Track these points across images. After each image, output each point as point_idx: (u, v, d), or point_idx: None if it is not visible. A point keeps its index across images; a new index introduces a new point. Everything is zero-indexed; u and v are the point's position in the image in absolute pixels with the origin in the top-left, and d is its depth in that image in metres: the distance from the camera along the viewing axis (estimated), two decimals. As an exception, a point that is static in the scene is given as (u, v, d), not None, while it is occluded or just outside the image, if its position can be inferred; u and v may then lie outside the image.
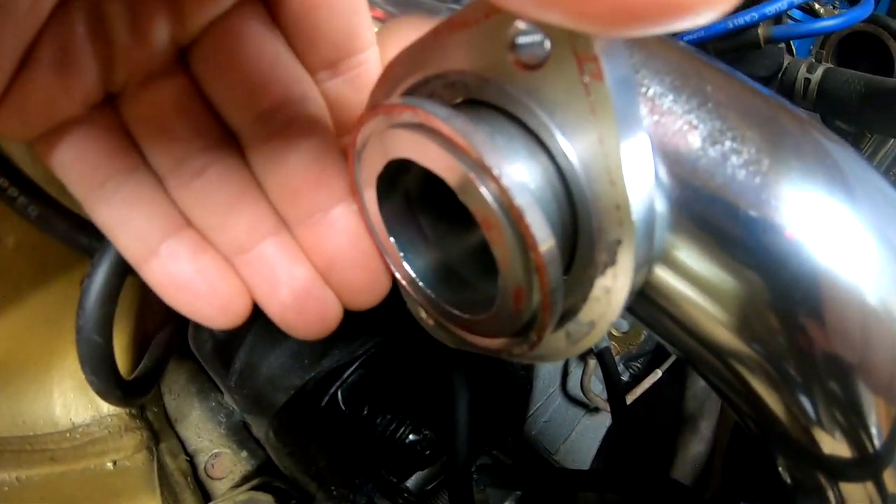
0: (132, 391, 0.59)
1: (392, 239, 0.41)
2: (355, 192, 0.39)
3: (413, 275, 0.41)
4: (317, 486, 0.58)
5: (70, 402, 0.71)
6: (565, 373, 0.94)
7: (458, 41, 0.34)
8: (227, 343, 0.70)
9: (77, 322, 0.49)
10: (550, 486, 0.82)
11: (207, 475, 0.77)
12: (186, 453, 0.78)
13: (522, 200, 0.29)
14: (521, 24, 0.30)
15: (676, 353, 0.41)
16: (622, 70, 0.29)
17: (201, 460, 0.78)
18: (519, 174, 0.30)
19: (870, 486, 0.37)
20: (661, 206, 0.33)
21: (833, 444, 0.35)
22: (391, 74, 0.37)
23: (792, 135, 0.34)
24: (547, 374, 0.93)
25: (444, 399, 0.67)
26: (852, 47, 1.22)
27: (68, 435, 0.70)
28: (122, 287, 0.50)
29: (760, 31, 0.86)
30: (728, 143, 0.32)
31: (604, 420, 0.96)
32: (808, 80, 0.93)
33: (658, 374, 0.94)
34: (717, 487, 0.95)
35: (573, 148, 0.30)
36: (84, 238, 0.49)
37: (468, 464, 0.67)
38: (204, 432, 0.79)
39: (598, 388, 0.94)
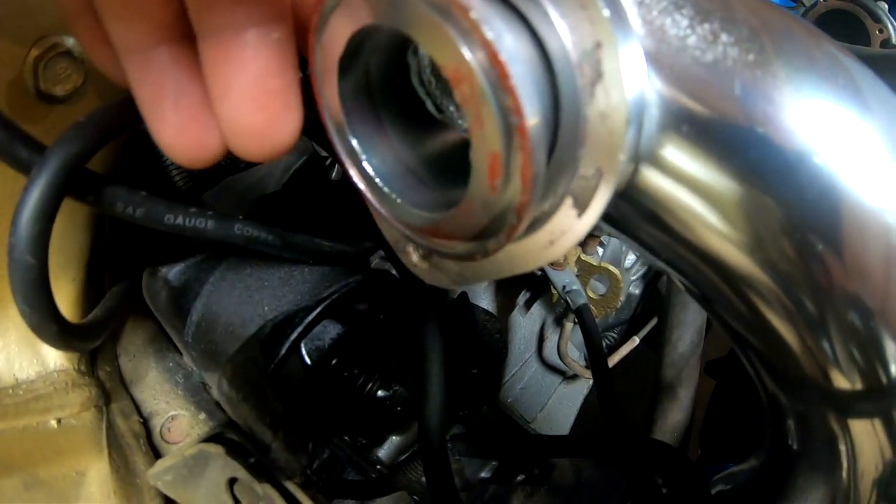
0: (74, 333, 0.54)
1: (354, 140, 0.38)
2: (314, 79, 0.36)
3: (375, 177, 0.38)
4: (272, 435, 0.54)
5: (14, 355, 0.66)
6: (541, 338, 0.91)
7: None
8: (182, 292, 0.66)
9: (9, 241, 0.45)
10: (529, 452, 0.79)
11: (163, 438, 0.73)
12: (141, 416, 0.73)
13: (490, 32, 0.26)
14: None
15: (684, 282, 0.38)
16: None
17: (157, 423, 0.73)
18: (508, 36, 0.27)
19: (879, 426, 0.35)
20: (647, 94, 0.30)
21: (845, 379, 0.33)
22: None
23: (790, 26, 0.31)
24: (522, 340, 0.89)
25: (417, 356, 0.64)
26: (829, 25, 1.22)
27: (10, 391, 0.65)
28: (59, 205, 0.45)
29: None
30: (717, 22, 0.29)
31: (581, 388, 0.93)
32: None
33: (635, 341, 0.91)
34: (696, 458, 0.93)
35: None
36: (24, 151, 0.45)
37: (443, 429, 0.63)
38: (160, 394, 0.74)
39: (575, 353, 0.91)
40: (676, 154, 0.31)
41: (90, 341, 0.59)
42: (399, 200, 0.36)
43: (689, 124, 0.29)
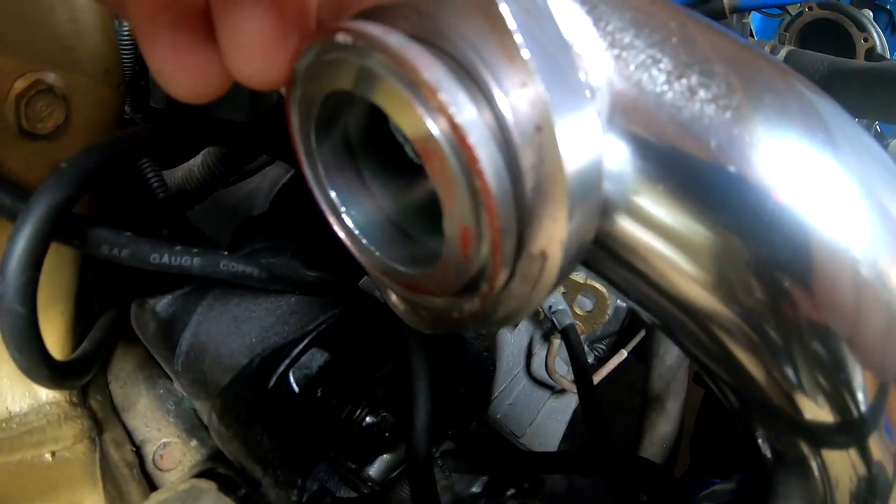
0: (64, 372, 0.55)
1: (332, 192, 0.39)
2: (290, 129, 0.37)
3: (355, 230, 0.38)
4: (262, 471, 0.55)
5: (5, 389, 0.67)
6: (529, 354, 0.92)
7: None
8: (171, 324, 0.66)
9: (-2, 291, 0.45)
10: (517, 469, 0.80)
11: (156, 466, 0.73)
12: (134, 444, 0.74)
13: (464, 118, 0.27)
14: None
15: (650, 318, 0.38)
16: None
17: (149, 451, 0.74)
18: (462, 97, 0.27)
19: (853, 453, 0.35)
20: (622, 148, 0.30)
21: (816, 411, 0.33)
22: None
23: (766, 74, 0.32)
24: (511, 356, 0.90)
25: (404, 381, 0.65)
26: (814, 34, 1.22)
27: (3, 425, 0.66)
28: (45, 252, 0.46)
29: (726, 0, 0.85)
30: (695, 77, 0.30)
31: (570, 402, 0.94)
32: (771, 61, 0.92)
33: (623, 354, 0.92)
34: (685, 468, 0.94)
35: (487, 62, 0.27)
36: (7, 199, 0.46)
37: (429, 449, 0.64)
38: (152, 421, 0.75)
39: (563, 368, 0.92)
40: (650, 205, 0.31)
41: (81, 377, 0.60)
42: (378, 254, 0.37)
43: (662, 179, 0.30)
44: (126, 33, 0.87)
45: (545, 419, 0.92)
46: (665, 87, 0.30)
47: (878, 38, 1.13)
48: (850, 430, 0.34)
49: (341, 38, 0.29)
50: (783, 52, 0.92)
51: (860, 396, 0.33)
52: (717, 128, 0.29)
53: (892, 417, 0.34)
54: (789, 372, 0.32)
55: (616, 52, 0.31)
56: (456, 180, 0.28)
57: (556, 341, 0.88)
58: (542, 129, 0.27)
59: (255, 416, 0.56)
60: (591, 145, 0.28)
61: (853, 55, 1.13)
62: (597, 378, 0.92)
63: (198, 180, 0.90)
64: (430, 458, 0.66)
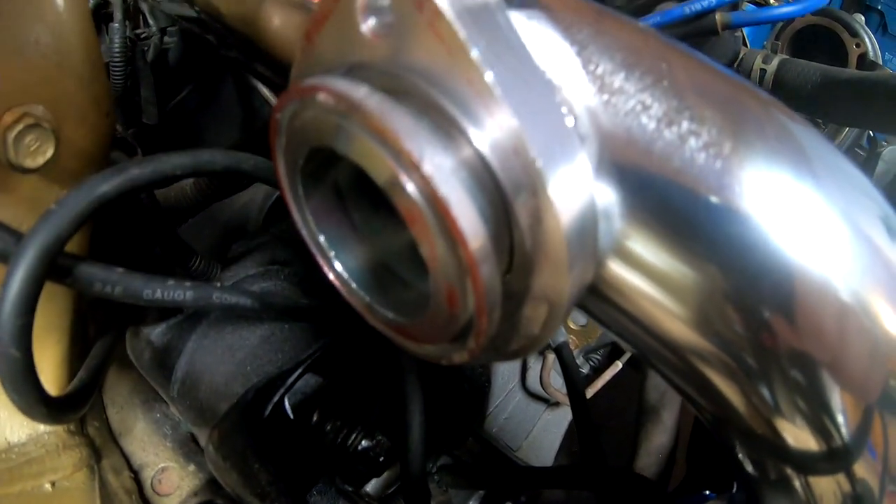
0: (62, 407, 0.55)
1: (321, 236, 0.39)
2: (278, 175, 0.37)
3: (345, 275, 0.39)
4: (259, 503, 0.56)
5: (4, 420, 0.67)
6: (524, 368, 0.92)
7: (328, 38, 0.32)
8: (166, 352, 0.67)
9: (-7, 336, 0.46)
10: (514, 484, 0.80)
11: (154, 491, 0.74)
12: (132, 469, 0.74)
13: (447, 190, 0.27)
14: None
15: (631, 349, 0.39)
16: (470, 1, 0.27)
17: (147, 475, 0.74)
18: (441, 159, 0.27)
19: (840, 476, 0.35)
20: (611, 194, 0.30)
21: (800, 439, 0.33)
22: (297, 77, 0.35)
23: (754, 115, 0.32)
24: (506, 371, 0.91)
25: (398, 402, 0.65)
26: (806, 40, 1.22)
27: (3, 455, 0.66)
28: (39, 295, 0.46)
29: (718, 17, 0.84)
30: (686, 125, 0.30)
31: (565, 414, 0.95)
32: (763, 71, 0.92)
33: (618, 365, 0.93)
34: (682, 477, 0.94)
35: (471, 119, 0.27)
36: (-3, 243, 0.46)
37: (424, 467, 0.64)
38: (149, 446, 0.75)
39: (558, 382, 0.92)
40: (637, 246, 0.31)
41: (79, 409, 0.60)
42: (368, 299, 0.37)
43: (650, 222, 0.30)
44: (117, 50, 0.87)
45: (541, 432, 0.92)
46: (655, 135, 0.30)
47: (871, 43, 1.13)
48: (835, 455, 0.34)
49: (321, 97, 0.30)
50: (775, 62, 0.92)
51: (843, 421, 0.33)
52: (707, 175, 0.29)
53: (876, 440, 0.34)
54: (771, 400, 0.33)
55: (605, 97, 0.31)
56: (438, 245, 0.28)
57: (551, 356, 0.89)
58: (537, 192, 0.27)
59: (252, 449, 0.57)
60: (585, 196, 0.28)
61: (845, 61, 1.12)
62: (592, 390, 0.93)
63: (190, 199, 0.91)
64: (424, 476, 0.67)
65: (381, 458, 0.67)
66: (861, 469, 0.34)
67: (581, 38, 0.33)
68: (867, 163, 0.98)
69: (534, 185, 0.27)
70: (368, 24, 0.29)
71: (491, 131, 0.27)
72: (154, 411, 0.77)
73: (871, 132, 1.11)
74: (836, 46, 1.15)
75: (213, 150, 0.56)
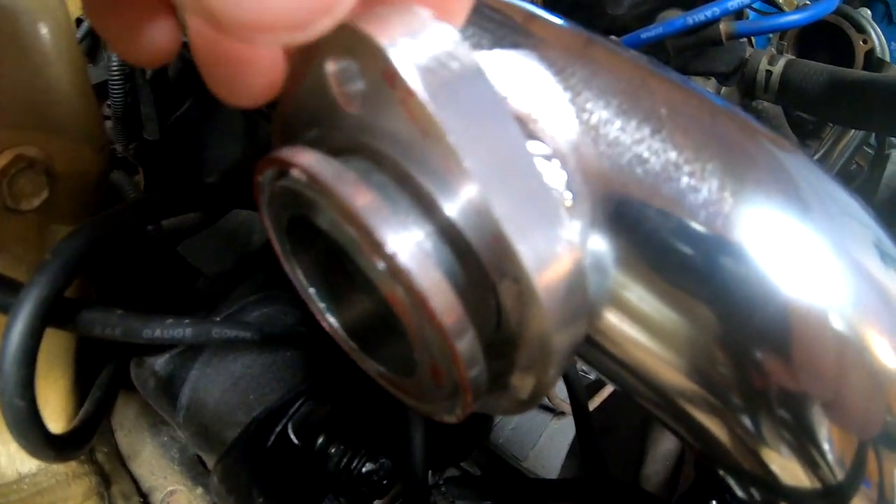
0: (68, 445, 0.56)
1: (311, 289, 0.39)
2: (266, 228, 0.37)
3: (336, 326, 0.39)
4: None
5: (14, 451, 0.68)
6: (529, 379, 0.92)
7: (304, 96, 0.31)
8: (170, 380, 0.67)
9: (-6, 385, 0.46)
10: (520, 497, 0.81)
11: (164, 513, 0.75)
12: (141, 493, 0.75)
13: (424, 283, 0.26)
14: (333, 57, 0.27)
15: (616, 387, 0.39)
16: (451, 69, 0.25)
17: (156, 499, 0.75)
18: (415, 244, 0.27)
19: None
20: (605, 245, 0.30)
21: (796, 477, 0.33)
22: (281, 123, 0.34)
23: (751, 156, 0.31)
24: (511, 382, 0.91)
25: (401, 417, 0.65)
26: (812, 37, 1.19)
27: (15, 486, 0.67)
28: (39, 345, 0.47)
29: (722, 26, 0.83)
30: (685, 180, 0.29)
31: (571, 423, 0.95)
32: (769, 73, 0.90)
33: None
34: (690, 483, 0.94)
35: (447, 196, 0.26)
36: (-5, 295, 0.46)
37: (426, 485, 0.65)
38: (157, 469, 0.76)
39: (563, 392, 0.92)
40: (630, 297, 0.31)
41: (86, 444, 0.61)
42: (361, 353, 0.37)
43: (646, 273, 0.30)
44: (115, 68, 0.87)
45: (547, 442, 0.92)
46: (652, 192, 0.29)
47: (878, 39, 1.10)
48: (832, 496, 0.34)
49: (294, 173, 0.29)
50: (781, 64, 0.90)
51: (841, 459, 0.33)
52: (706, 233, 0.29)
53: (872, 473, 0.34)
54: (765, 440, 0.32)
55: (601, 148, 0.30)
56: (415, 319, 0.28)
57: (555, 366, 0.88)
58: (519, 280, 0.26)
59: (255, 483, 0.57)
60: (574, 269, 0.27)
61: (852, 57, 1.10)
62: (599, 398, 0.93)
63: (192, 219, 0.91)
64: (427, 490, 0.67)
65: (385, 481, 0.67)
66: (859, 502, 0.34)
67: (574, 84, 0.32)
68: (875, 163, 0.96)
69: (515, 274, 0.26)
70: (340, 91, 0.29)
71: (469, 215, 0.27)
72: (161, 434, 0.78)
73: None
74: (843, 43, 1.12)
75: (208, 187, 0.56)
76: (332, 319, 0.39)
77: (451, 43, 0.25)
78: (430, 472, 0.75)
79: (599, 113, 0.32)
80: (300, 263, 0.38)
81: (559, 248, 0.27)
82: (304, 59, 0.29)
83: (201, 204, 0.55)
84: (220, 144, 0.91)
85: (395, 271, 0.27)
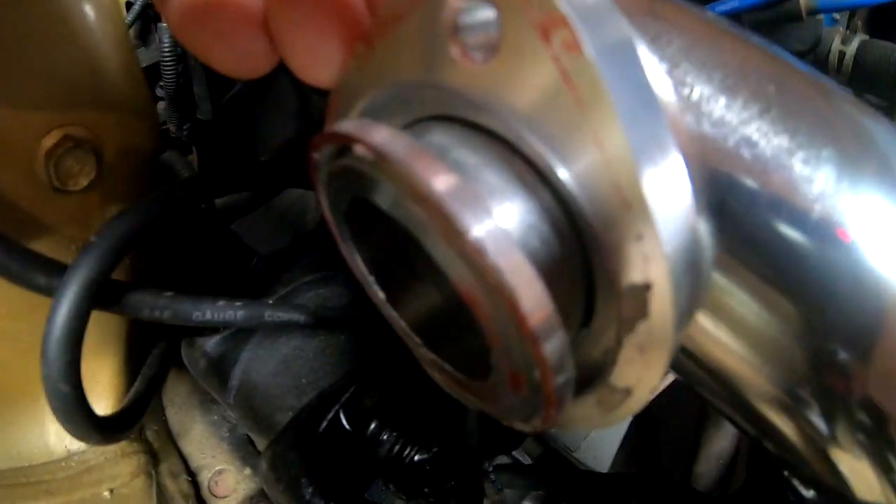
0: (116, 427, 0.55)
1: (371, 278, 0.36)
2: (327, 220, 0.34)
3: (405, 325, 0.36)
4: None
5: (62, 429, 0.67)
6: (584, 367, 0.89)
7: (395, 44, 0.27)
8: (221, 361, 0.66)
9: (42, 371, 0.45)
10: (571, 489, 0.78)
11: (211, 493, 0.74)
12: (189, 471, 0.74)
13: (511, 278, 0.23)
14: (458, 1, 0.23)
15: (685, 381, 0.36)
16: (614, 31, 0.22)
17: (204, 477, 0.75)
18: (502, 229, 0.23)
19: None
20: (706, 240, 0.27)
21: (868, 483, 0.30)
22: (345, 87, 0.31)
23: (871, 146, 0.28)
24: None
25: (456, 407, 0.63)
26: (886, 14, 1.12)
27: (63, 464, 0.67)
28: (84, 329, 0.46)
29: (802, 1, 0.77)
30: (799, 168, 0.26)
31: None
32: (842, 53, 0.85)
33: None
34: (741, 484, 0.91)
35: (565, 163, 0.23)
36: (41, 278, 0.45)
37: (478, 471, 0.63)
38: (207, 448, 0.76)
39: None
40: (724, 298, 0.28)
41: (134, 425, 0.60)
42: (431, 355, 0.35)
43: (743, 273, 0.27)
44: (167, 49, 0.86)
45: (600, 433, 0.90)
46: (763, 181, 0.26)
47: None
48: None
49: (359, 150, 0.26)
50: (855, 43, 0.85)
51: None
52: (821, 229, 0.25)
53: None
54: (840, 443, 0.29)
55: (705, 128, 0.27)
56: (503, 332, 0.25)
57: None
58: (652, 286, 0.23)
59: (305, 472, 0.56)
60: (696, 247, 0.24)
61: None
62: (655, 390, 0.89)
63: (246, 198, 0.89)
64: (479, 475, 0.66)
65: (436, 472, 0.65)
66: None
67: (671, 53, 0.28)
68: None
69: (650, 280, 0.23)
70: (460, 42, 0.25)
71: (589, 179, 0.23)
72: (212, 413, 0.77)
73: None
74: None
75: (260, 166, 0.54)
76: (392, 311, 0.36)
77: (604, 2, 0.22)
78: (480, 459, 0.73)
79: (701, 88, 0.28)
80: (360, 249, 0.35)
81: (687, 214, 0.23)
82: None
83: (253, 183, 0.53)
84: (274, 123, 0.89)
85: (476, 263, 0.23)
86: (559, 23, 0.21)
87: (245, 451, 0.76)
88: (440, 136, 0.26)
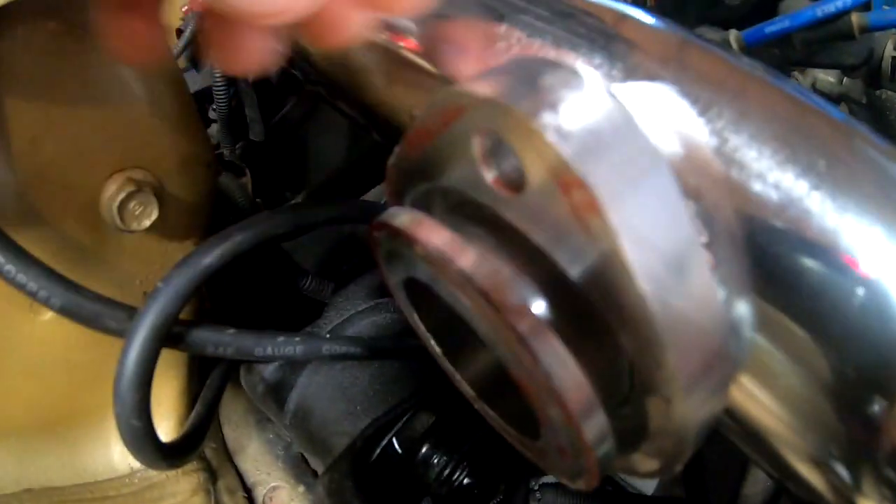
0: (181, 452, 0.58)
1: (432, 340, 0.37)
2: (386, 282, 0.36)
3: (459, 377, 0.37)
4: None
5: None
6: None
7: (433, 154, 0.29)
8: (278, 386, 0.69)
9: (114, 408, 0.48)
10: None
11: (266, 509, 0.76)
12: (245, 488, 0.77)
13: (554, 371, 0.24)
14: (484, 133, 0.25)
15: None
16: (628, 170, 0.22)
17: (259, 493, 0.77)
18: (541, 325, 0.25)
19: None
20: (744, 307, 0.28)
21: None
22: (399, 168, 0.32)
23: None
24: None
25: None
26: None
27: (127, 480, 0.70)
28: (153, 369, 0.48)
29: (854, 19, 0.76)
30: (848, 245, 0.26)
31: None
32: (894, 60, 0.83)
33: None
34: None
35: (580, 272, 0.25)
36: (112, 322, 0.48)
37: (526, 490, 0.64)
38: (262, 465, 0.78)
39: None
40: (765, 360, 0.29)
41: (196, 448, 0.62)
42: (491, 413, 0.36)
43: (786, 346, 0.28)
44: (219, 75, 0.88)
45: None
46: (812, 259, 0.26)
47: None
48: None
49: (419, 250, 0.27)
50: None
51: None
52: (871, 307, 0.26)
53: None
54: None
55: (751, 207, 0.27)
56: (553, 417, 0.26)
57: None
58: (671, 401, 0.24)
59: (359, 499, 0.58)
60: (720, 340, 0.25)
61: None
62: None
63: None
64: (526, 495, 0.67)
65: (486, 497, 0.66)
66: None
67: (721, 128, 0.29)
68: None
69: (669, 392, 0.24)
70: (493, 168, 0.26)
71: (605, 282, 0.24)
72: (267, 431, 0.80)
73: None
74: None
75: (316, 204, 0.55)
76: (450, 365, 0.38)
77: (626, 127, 0.22)
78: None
79: (751, 166, 0.29)
80: (419, 311, 0.37)
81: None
82: (443, 112, 0.27)
83: (313, 224, 0.55)
84: (326, 142, 0.91)
85: (520, 354, 0.25)
86: (576, 184, 0.21)
87: (299, 468, 0.78)
88: (485, 235, 0.27)
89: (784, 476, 0.32)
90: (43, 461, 0.68)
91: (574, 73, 0.22)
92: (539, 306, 0.26)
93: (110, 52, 0.35)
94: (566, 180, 0.21)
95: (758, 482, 0.85)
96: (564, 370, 0.25)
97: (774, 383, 0.29)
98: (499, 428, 0.37)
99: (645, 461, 0.30)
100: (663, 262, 0.21)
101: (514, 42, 0.35)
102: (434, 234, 0.27)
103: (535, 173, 0.23)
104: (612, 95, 0.22)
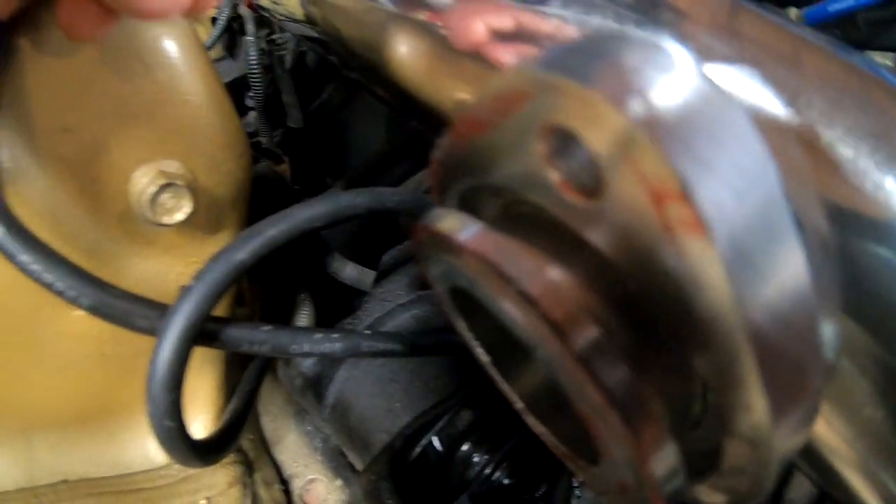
0: (216, 449, 0.56)
1: (479, 348, 0.35)
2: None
3: (511, 392, 0.35)
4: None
5: (163, 446, 0.70)
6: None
7: (485, 147, 0.25)
8: (317, 380, 0.67)
9: (147, 409, 0.46)
10: None
11: (302, 501, 0.75)
12: (282, 480, 0.76)
13: (624, 411, 0.21)
14: (552, 125, 0.21)
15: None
16: (759, 207, 0.18)
17: (296, 486, 0.76)
18: (619, 361, 0.22)
19: None
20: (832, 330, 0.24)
21: None
22: (446, 163, 0.29)
23: None
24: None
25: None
26: None
27: (162, 472, 0.70)
28: (185, 368, 0.46)
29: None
30: None
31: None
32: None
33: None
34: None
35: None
36: (143, 321, 0.46)
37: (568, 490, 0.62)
38: (300, 457, 0.77)
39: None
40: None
41: (232, 444, 0.61)
42: (541, 428, 0.34)
43: (871, 372, 0.25)
44: (254, 62, 0.86)
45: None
46: None
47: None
48: None
49: (468, 262, 0.25)
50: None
51: None
52: None
53: None
54: None
55: (846, 215, 0.24)
56: (615, 448, 0.24)
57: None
58: (757, 445, 0.21)
59: (397, 500, 0.56)
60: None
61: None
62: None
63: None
64: (568, 493, 0.66)
65: (526, 496, 0.64)
66: None
67: (814, 117, 0.26)
68: None
69: (756, 435, 0.21)
70: (558, 168, 0.23)
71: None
72: (305, 423, 0.78)
73: None
74: None
75: (353, 192, 0.53)
76: (498, 374, 0.36)
77: (736, 125, 0.18)
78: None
79: (846, 167, 0.25)
80: (467, 321, 0.35)
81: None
82: (501, 98, 0.23)
83: (351, 215, 0.52)
84: (365, 128, 0.88)
85: (581, 382, 0.22)
86: (675, 196, 0.17)
87: (337, 462, 0.76)
88: (537, 247, 0.24)
89: (836, 489, 0.30)
90: (79, 453, 0.68)
91: (661, 49, 0.19)
92: (604, 326, 0.23)
93: (62, 29, 0.36)
94: (663, 190, 0.17)
95: (804, 484, 0.81)
96: (633, 402, 0.22)
97: (853, 413, 0.26)
98: (549, 444, 0.34)
99: (711, 494, 0.27)
100: (768, 289, 0.18)
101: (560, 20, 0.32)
102: (483, 244, 0.24)
103: (618, 178, 0.19)
104: (712, 82, 0.18)
